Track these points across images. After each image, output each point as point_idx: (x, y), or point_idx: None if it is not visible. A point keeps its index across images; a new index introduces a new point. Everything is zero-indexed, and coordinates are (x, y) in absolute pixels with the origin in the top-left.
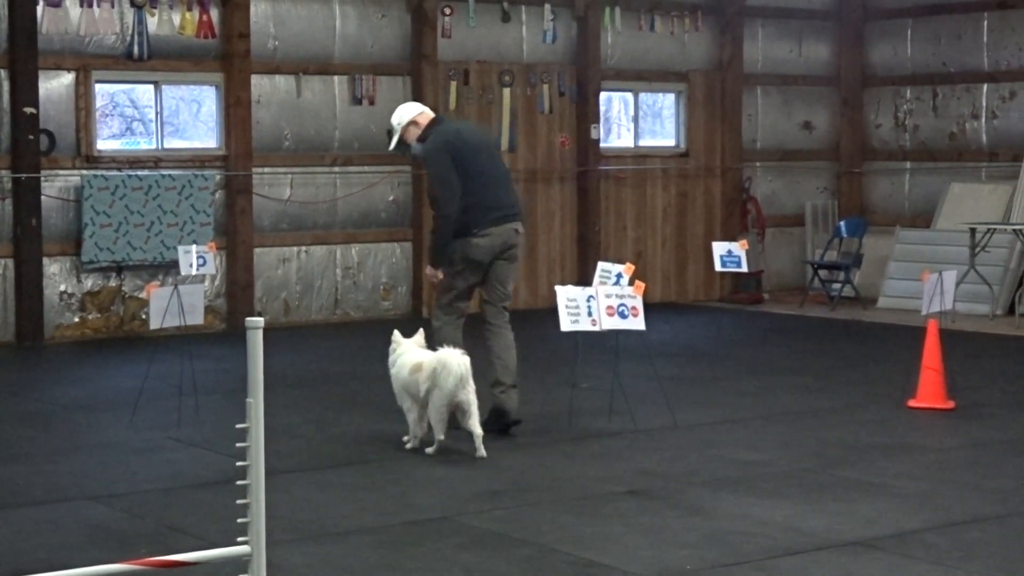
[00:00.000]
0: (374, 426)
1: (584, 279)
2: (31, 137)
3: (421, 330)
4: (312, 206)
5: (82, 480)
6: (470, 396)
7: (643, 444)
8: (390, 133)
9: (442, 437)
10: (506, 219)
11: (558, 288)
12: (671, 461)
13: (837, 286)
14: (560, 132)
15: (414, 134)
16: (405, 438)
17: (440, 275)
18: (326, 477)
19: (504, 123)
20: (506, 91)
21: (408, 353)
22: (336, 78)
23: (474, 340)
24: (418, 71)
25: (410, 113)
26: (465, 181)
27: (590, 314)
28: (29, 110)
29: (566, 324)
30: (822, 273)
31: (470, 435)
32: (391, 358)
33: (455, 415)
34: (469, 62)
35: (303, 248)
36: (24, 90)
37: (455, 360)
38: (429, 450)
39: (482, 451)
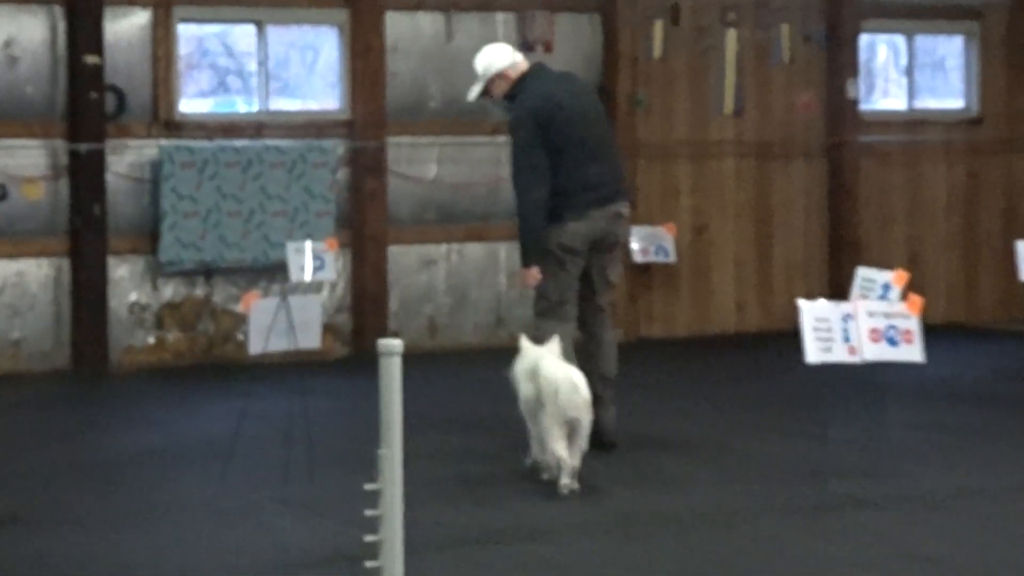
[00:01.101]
0: (547, 488)
1: (838, 292)
2: (94, 96)
3: (557, 336)
4: (467, 189)
5: (157, 555)
6: (585, 418)
7: (912, 517)
8: (476, 76)
9: (574, 463)
10: (608, 200)
11: (802, 304)
12: (951, 542)
13: None
14: (804, 90)
15: (502, 88)
16: (529, 461)
17: (537, 275)
18: (481, 556)
19: (727, 78)
20: (730, 34)
21: (532, 360)
22: (499, 16)
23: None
24: (611, 7)
25: (500, 62)
26: (559, 154)
27: (847, 339)
28: (91, 60)
29: (813, 352)
30: None
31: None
32: (515, 369)
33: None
34: None
35: (454, 246)
36: (85, 33)
37: (578, 382)
38: (564, 482)
39: (566, 480)
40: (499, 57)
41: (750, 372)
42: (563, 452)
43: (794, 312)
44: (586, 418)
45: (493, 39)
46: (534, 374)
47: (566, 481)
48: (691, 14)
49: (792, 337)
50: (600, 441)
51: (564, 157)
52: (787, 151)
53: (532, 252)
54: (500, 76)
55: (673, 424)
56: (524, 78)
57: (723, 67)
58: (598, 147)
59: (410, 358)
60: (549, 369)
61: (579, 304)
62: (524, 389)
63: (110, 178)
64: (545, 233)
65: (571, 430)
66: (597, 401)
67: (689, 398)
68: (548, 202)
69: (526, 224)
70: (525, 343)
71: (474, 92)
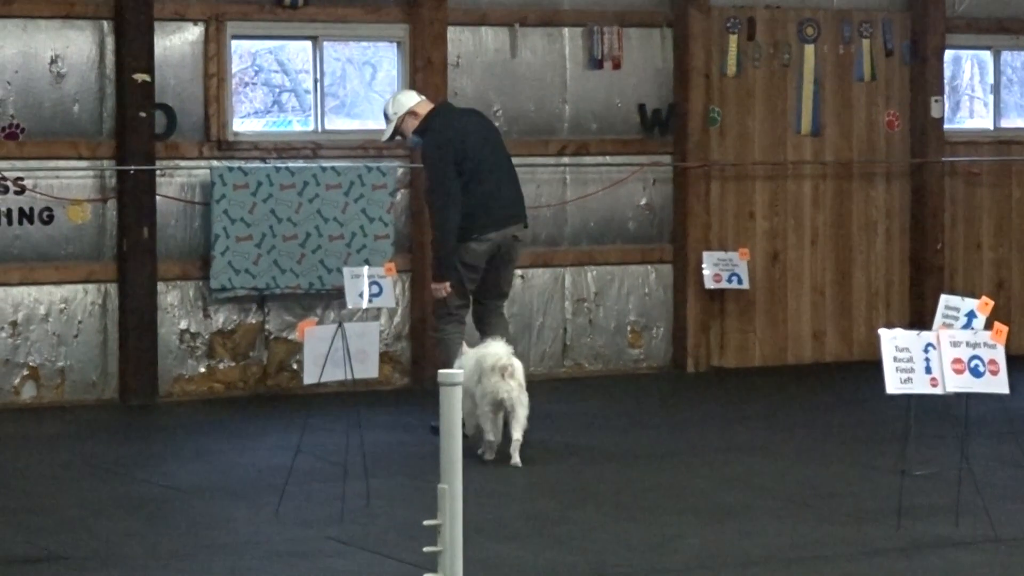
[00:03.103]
0: (618, 525)
1: (920, 320)
2: (143, 115)
3: (500, 336)
4: (531, 212)
5: None
6: (514, 394)
7: (1005, 560)
8: (386, 118)
9: (491, 438)
10: (507, 221)
11: (883, 333)
12: None
13: None
14: (886, 108)
15: (412, 125)
16: (479, 450)
17: (448, 289)
18: None
19: (805, 94)
20: (808, 49)
21: (472, 355)
22: (566, 31)
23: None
24: (683, 21)
25: (410, 101)
26: (468, 178)
27: (929, 371)
28: (141, 77)
29: (894, 384)
30: None
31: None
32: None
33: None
34: (756, 7)
35: (519, 272)
36: (134, 49)
37: (498, 351)
38: (480, 451)
39: (516, 459)
40: (408, 97)
41: (828, 404)
42: (488, 428)
43: (874, 341)
44: (519, 399)
45: (559, 55)
46: (478, 363)
47: (490, 456)
48: (767, 29)
49: (872, 367)
50: None
51: (472, 181)
52: (867, 171)
53: (447, 268)
54: (410, 113)
55: (747, 459)
56: (432, 115)
57: (801, 84)
58: (500, 174)
59: None
60: (486, 357)
61: (475, 305)
62: (467, 378)
63: (159, 200)
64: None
65: (503, 410)
66: None
67: (764, 431)
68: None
69: (443, 244)
70: (466, 348)
71: (386, 134)
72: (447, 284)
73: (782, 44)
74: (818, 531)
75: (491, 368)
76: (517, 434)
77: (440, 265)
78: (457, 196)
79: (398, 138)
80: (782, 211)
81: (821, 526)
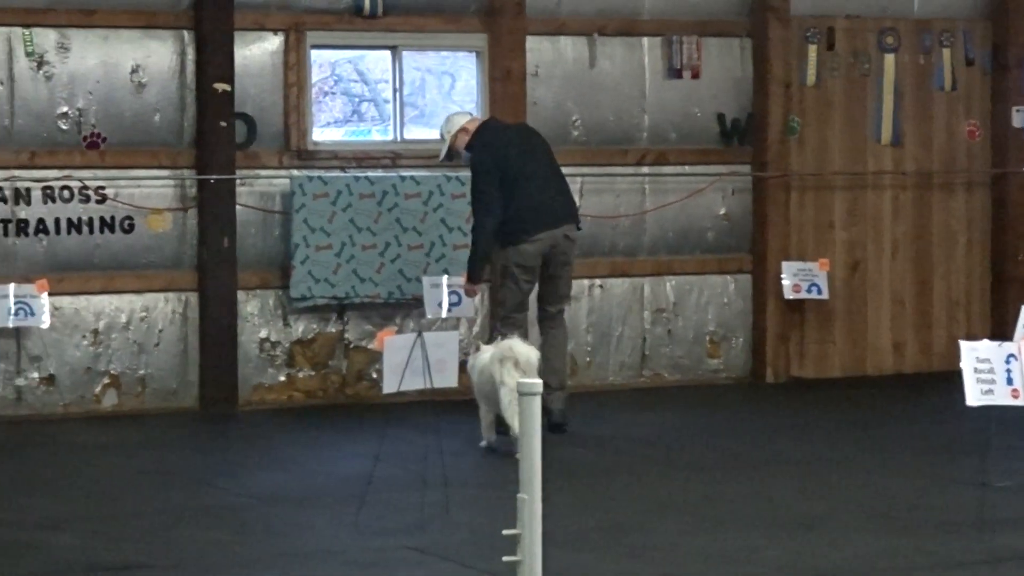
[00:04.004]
0: (697, 536)
1: (1002, 331)
2: (223, 124)
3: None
4: (610, 222)
5: None
6: (510, 384)
7: None
8: (442, 138)
9: (488, 423)
10: (557, 223)
11: (963, 344)
12: None
13: None
14: (967, 118)
15: (463, 142)
16: (482, 443)
17: (477, 290)
18: None
19: (885, 104)
20: (888, 58)
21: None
22: (645, 41)
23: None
24: (762, 30)
25: (460, 121)
26: (513, 186)
27: (1010, 382)
28: (221, 87)
29: (975, 395)
30: None
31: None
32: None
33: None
34: (835, 17)
35: (596, 281)
36: (215, 59)
37: (518, 348)
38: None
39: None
40: (460, 117)
41: (908, 415)
42: (484, 415)
43: (954, 352)
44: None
45: (638, 65)
46: (492, 357)
47: (486, 442)
48: (847, 38)
49: (952, 378)
50: (549, 421)
51: (519, 188)
52: (948, 181)
53: (480, 271)
54: (462, 131)
55: (827, 470)
56: (479, 130)
57: (881, 93)
58: (545, 180)
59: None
60: (500, 348)
61: (539, 313)
62: (480, 377)
63: (239, 209)
64: (505, 251)
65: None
66: (546, 388)
67: (843, 442)
68: (505, 227)
69: (478, 248)
70: (482, 345)
71: (442, 152)
72: (477, 287)
73: (861, 54)
74: (899, 543)
75: (499, 357)
76: (515, 423)
77: (472, 268)
78: (493, 205)
79: (454, 156)
80: (861, 221)
81: (902, 538)
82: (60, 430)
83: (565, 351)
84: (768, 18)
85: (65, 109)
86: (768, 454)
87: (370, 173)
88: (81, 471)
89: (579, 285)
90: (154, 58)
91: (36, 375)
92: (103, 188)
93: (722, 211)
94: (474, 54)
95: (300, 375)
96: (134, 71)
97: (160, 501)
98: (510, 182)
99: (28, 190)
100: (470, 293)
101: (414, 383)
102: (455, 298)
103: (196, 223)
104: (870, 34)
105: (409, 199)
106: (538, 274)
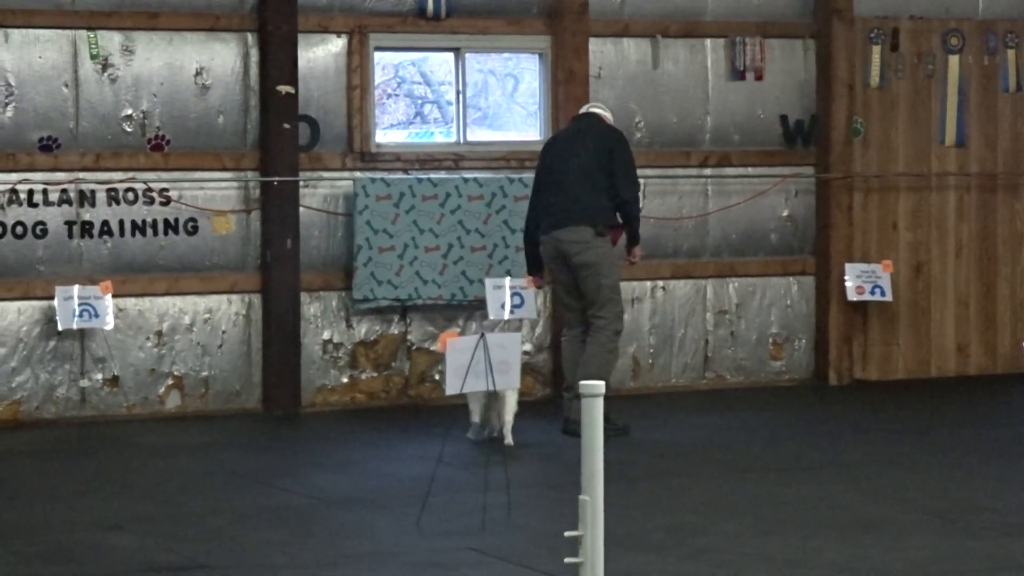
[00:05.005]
0: (758, 538)
1: None
2: (287, 126)
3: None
4: (673, 224)
5: None
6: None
7: None
8: None
9: (476, 419)
10: (555, 225)
11: None
12: None
13: None
14: None
15: None
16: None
17: (531, 282)
18: None
19: (949, 106)
20: (953, 59)
21: None
22: (708, 42)
23: None
24: (826, 32)
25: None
26: (539, 188)
27: None
28: (285, 89)
29: None
30: None
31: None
32: None
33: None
34: (900, 18)
35: (659, 283)
36: (278, 62)
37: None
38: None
39: (508, 439)
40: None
41: (972, 417)
42: (474, 410)
43: (1019, 354)
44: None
45: (701, 67)
46: None
47: (472, 437)
48: (911, 39)
49: (1017, 380)
50: (564, 428)
51: (540, 187)
52: (1013, 183)
53: (529, 264)
54: None
55: (890, 472)
56: None
57: (945, 95)
58: (566, 183)
59: (613, 400)
60: None
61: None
62: None
63: (303, 211)
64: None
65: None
66: (568, 390)
67: (907, 444)
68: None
69: (524, 240)
70: None
71: None
72: (531, 278)
73: (926, 55)
74: (962, 546)
75: None
76: (508, 416)
77: (526, 259)
78: (533, 200)
79: None
80: (925, 223)
81: (965, 541)
82: (123, 431)
83: (595, 360)
84: (832, 19)
85: (129, 111)
86: (830, 456)
87: (433, 175)
88: (144, 472)
89: (641, 287)
90: (218, 60)
91: (100, 376)
92: (167, 190)
93: (785, 213)
94: (537, 56)
95: (363, 376)
96: (198, 73)
97: (222, 502)
98: (538, 184)
99: (93, 192)
100: (527, 284)
101: (476, 384)
102: (517, 300)
103: (260, 225)
104: (934, 35)
105: (472, 201)
106: (564, 275)
